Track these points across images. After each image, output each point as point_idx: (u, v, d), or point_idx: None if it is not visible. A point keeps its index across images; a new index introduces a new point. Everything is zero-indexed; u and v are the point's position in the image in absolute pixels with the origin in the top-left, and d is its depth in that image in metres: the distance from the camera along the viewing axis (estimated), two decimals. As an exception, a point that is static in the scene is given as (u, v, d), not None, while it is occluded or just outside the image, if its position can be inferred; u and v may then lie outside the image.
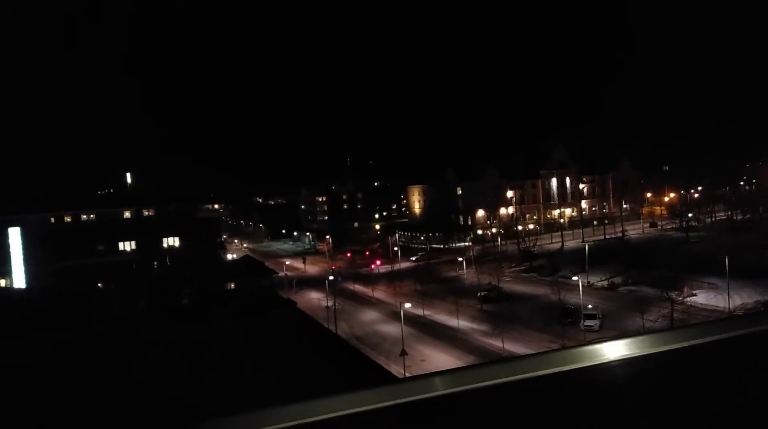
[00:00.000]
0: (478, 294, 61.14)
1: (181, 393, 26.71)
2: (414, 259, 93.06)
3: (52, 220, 69.26)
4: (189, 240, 66.66)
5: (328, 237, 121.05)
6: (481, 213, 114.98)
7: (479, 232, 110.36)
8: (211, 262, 59.93)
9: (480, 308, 57.94)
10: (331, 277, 68.66)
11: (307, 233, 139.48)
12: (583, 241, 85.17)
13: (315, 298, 68.01)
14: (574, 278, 57.51)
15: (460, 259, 77.08)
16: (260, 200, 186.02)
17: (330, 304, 57.98)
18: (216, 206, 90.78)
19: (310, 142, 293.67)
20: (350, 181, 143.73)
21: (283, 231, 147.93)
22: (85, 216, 71.15)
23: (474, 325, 52.49)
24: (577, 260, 71.27)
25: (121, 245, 66.32)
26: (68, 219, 70.39)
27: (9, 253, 59.99)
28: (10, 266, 59.93)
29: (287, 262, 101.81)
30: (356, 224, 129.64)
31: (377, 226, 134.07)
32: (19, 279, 59.79)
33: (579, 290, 51.75)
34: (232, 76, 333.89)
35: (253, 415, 1.58)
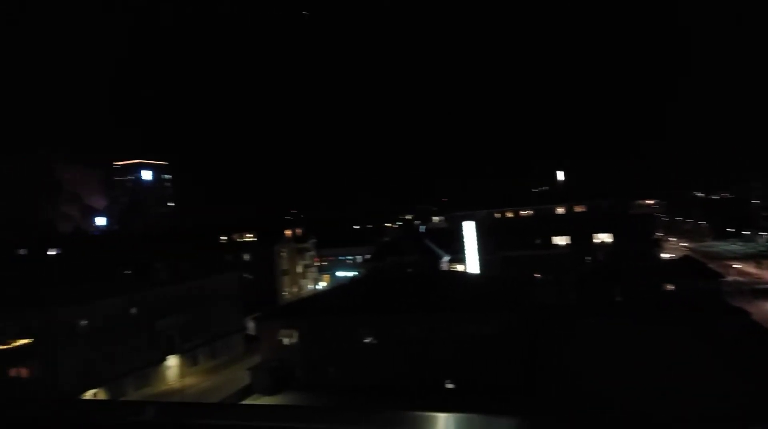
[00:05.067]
0: None
1: (613, 390, 26.51)
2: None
3: (497, 215, 79.08)
4: (621, 236, 65.29)
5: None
6: None
7: None
8: (646, 261, 57.12)
9: None
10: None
11: (762, 233, 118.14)
12: None
13: (775, 310, 56.77)
14: None
15: None
16: (700, 194, 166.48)
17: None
18: (649, 202, 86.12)
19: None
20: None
21: (730, 229, 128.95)
22: (523, 212, 79.07)
23: None
24: None
25: (554, 239, 70.08)
26: (510, 215, 79.37)
27: (463, 243, 71.13)
28: (464, 254, 70.99)
29: (736, 266, 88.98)
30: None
31: None
32: (472, 265, 70.22)
33: None
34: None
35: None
